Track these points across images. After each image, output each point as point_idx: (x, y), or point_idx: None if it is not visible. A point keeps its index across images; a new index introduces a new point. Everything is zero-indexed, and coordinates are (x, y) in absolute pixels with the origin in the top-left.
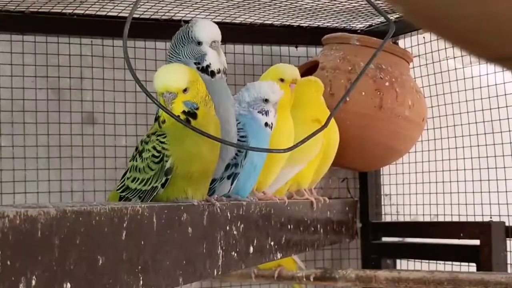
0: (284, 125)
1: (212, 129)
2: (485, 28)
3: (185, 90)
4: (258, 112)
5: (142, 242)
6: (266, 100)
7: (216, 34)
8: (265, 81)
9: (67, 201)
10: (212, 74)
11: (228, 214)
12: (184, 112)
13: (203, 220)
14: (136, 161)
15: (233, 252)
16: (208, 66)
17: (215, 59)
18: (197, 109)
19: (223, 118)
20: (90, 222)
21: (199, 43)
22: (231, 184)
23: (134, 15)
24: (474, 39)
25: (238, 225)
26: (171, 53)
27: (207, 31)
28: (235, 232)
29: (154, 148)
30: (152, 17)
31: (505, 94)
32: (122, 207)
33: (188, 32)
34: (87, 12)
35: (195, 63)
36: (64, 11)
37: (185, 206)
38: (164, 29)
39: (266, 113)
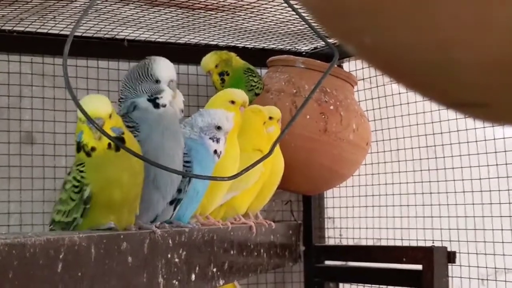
0: (230, 150)
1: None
2: (443, 74)
3: (110, 116)
4: (210, 138)
5: (79, 274)
6: (219, 128)
7: (174, 73)
8: (220, 109)
9: (3, 225)
10: (160, 106)
11: (170, 242)
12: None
13: (144, 248)
14: (62, 194)
15: (175, 280)
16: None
17: (170, 97)
18: (123, 133)
19: (168, 154)
20: (24, 255)
21: (157, 81)
22: (174, 210)
23: (77, 33)
24: (431, 85)
25: (180, 252)
26: (125, 87)
27: (166, 70)
28: (176, 260)
29: (74, 178)
30: (95, 35)
31: (448, 120)
32: (58, 237)
33: (146, 70)
34: (27, 29)
35: (148, 99)
36: (3, 28)
37: (125, 235)
38: (106, 48)
39: (217, 140)
